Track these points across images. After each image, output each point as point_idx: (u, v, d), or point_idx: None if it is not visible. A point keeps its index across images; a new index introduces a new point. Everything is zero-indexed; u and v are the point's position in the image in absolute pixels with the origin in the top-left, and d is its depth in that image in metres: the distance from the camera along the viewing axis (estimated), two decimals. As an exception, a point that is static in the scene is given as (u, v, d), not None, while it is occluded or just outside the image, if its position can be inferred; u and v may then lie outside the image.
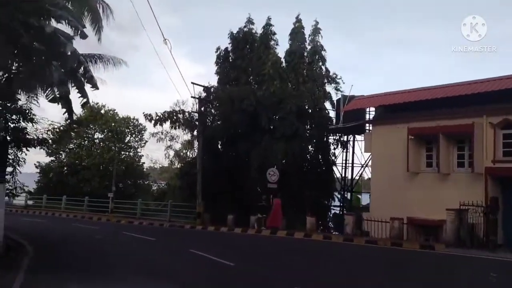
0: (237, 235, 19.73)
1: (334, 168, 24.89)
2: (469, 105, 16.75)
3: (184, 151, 38.73)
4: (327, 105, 24.98)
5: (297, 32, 24.48)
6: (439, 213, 16.60)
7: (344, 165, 24.98)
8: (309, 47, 24.65)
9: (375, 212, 18.81)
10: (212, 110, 26.41)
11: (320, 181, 22.91)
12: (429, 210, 17.17)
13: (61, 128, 14.82)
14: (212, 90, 25.44)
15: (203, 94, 25.04)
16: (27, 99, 13.32)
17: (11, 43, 10.10)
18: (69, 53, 11.77)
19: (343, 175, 25.26)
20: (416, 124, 18.12)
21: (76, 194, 32.06)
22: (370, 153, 21.66)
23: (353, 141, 24.68)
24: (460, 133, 17.25)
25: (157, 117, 24.62)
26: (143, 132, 40.29)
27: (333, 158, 24.74)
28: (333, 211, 26.14)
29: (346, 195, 25.86)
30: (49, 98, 11.48)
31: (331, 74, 24.77)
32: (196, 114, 24.44)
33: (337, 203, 26.42)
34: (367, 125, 22.50)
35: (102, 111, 38.74)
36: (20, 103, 13.48)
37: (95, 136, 38.94)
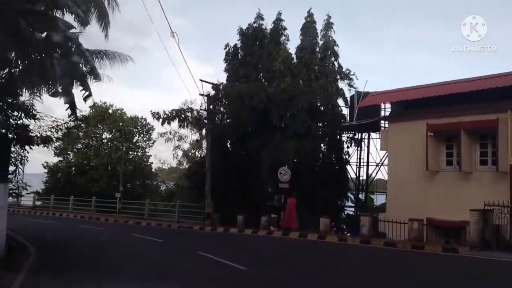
0: (248, 236, 19.02)
1: (348, 167, 24.05)
2: (492, 100, 15.85)
3: (192, 151, 38.26)
4: (340, 102, 24.23)
5: (308, 27, 23.72)
6: (461, 214, 15.75)
7: (358, 164, 24.13)
8: (321, 42, 23.88)
9: (391, 213, 18.01)
10: (221, 108, 25.77)
11: (333, 181, 22.10)
12: (450, 211, 16.35)
13: (65, 125, 14.19)
14: (221, 88, 24.80)
15: (212, 92, 24.45)
16: (30, 94, 12.76)
17: (8, 32, 9.54)
18: (73, 49, 11.27)
19: (357, 174, 24.40)
20: (436, 121, 17.27)
21: (84, 195, 31.72)
22: (386, 151, 20.83)
23: (368, 139, 23.80)
24: (483, 129, 16.37)
25: (165, 116, 24.05)
26: (151, 132, 39.99)
27: (347, 156, 23.94)
28: (345, 212, 25.38)
29: (359, 195, 25.00)
30: (51, 92, 10.90)
31: (344, 70, 23.99)
32: (205, 112, 23.80)
33: (349, 203, 25.64)
34: (382, 122, 21.68)
35: (110, 111, 38.47)
36: (22, 99, 12.95)
37: (103, 136, 38.64)
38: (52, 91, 10.69)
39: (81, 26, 14.23)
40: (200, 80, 22.86)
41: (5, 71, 11.68)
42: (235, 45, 25.95)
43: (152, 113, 23.92)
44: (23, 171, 14.84)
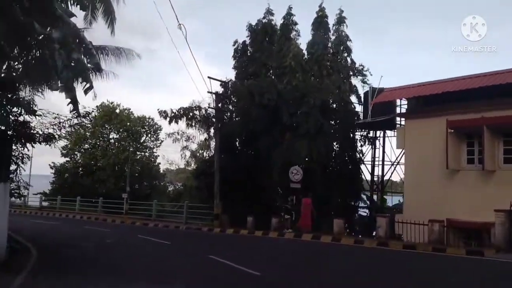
0: (258, 238, 18.30)
1: (362, 166, 23.19)
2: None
3: (200, 151, 37.72)
4: (353, 99, 23.39)
5: (320, 22, 22.94)
6: (484, 215, 14.96)
7: (372, 163, 23.24)
8: (333, 37, 23.08)
9: (408, 214, 17.17)
10: (230, 106, 25.09)
11: (346, 181, 21.27)
12: (471, 211, 15.52)
13: (68, 122, 13.56)
14: (229, 85, 24.13)
15: (220, 91, 23.78)
16: (30, 89, 12.16)
17: (7, 23, 8.95)
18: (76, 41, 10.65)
19: (371, 173, 23.49)
20: (456, 117, 16.39)
21: (91, 195, 31.33)
22: (402, 150, 19.99)
23: (384, 137, 22.92)
24: (507, 125, 15.46)
25: (172, 114, 23.41)
26: (158, 131, 39.55)
27: (361, 155, 23.09)
28: (358, 213, 24.52)
29: (373, 196, 24.12)
30: (52, 87, 10.30)
31: (357, 66, 23.14)
32: (213, 111, 23.14)
33: (361, 204, 24.78)
34: (397, 119, 20.85)
35: (117, 111, 38.11)
36: (22, 95, 12.35)
37: (110, 136, 38.26)
38: (53, 84, 10.08)
39: (87, 23, 13.79)
40: (208, 77, 22.21)
41: (4, 65, 11.13)
42: (244, 41, 25.26)
43: (159, 112, 23.32)
44: (24, 170, 14.01)
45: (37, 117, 12.20)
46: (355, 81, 23.40)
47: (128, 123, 37.59)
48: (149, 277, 9.53)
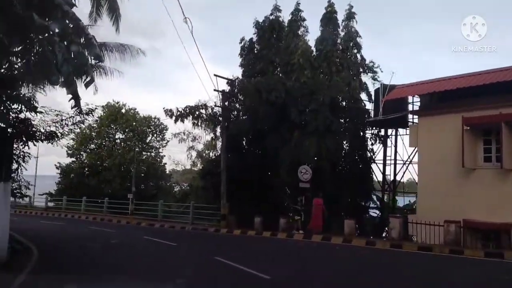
0: (267, 239, 17.78)
1: (373, 166, 22.53)
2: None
3: (206, 151, 37.32)
4: (363, 96, 22.76)
5: (329, 18, 22.37)
6: (502, 215, 14.43)
7: (384, 162, 22.57)
8: (342, 34, 22.48)
9: (422, 214, 16.58)
10: (237, 105, 24.59)
11: (357, 180, 20.65)
12: (489, 212, 14.94)
13: (71, 119, 13.13)
14: (236, 83, 23.63)
15: (227, 89, 23.33)
16: (31, 86, 11.76)
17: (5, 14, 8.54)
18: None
19: (383, 173, 22.84)
20: (472, 113, 15.75)
21: (97, 195, 31.01)
22: (415, 148, 19.37)
23: (396, 135, 22.25)
24: (527, 122, 14.82)
25: (178, 113, 22.94)
26: (164, 131, 39.20)
27: (371, 154, 22.45)
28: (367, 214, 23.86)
29: (384, 196, 23.48)
30: (51, 81, 9.84)
31: (367, 62, 22.50)
32: (220, 109, 22.67)
33: (371, 204, 24.13)
34: (409, 116, 20.23)
35: (123, 110, 37.83)
36: (23, 92, 11.95)
37: (116, 136, 37.97)
38: (53, 79, 9.62)
39: (92, 20, 13.39)
40: (215, 75, 21.75)
41: (5, 61, 10.73)
42: (251, 39, 24.77)
43: (165, 110, 22.85)
44: (26, 169, 13.60)
45: (37, 114, 11.75)
46: (365, 78, 22.82)
47: (134, 123, 37.30)
48: (153, 279, 9.07)
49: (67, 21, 8.50)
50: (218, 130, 24.92)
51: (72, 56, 9.26)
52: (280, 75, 22.86)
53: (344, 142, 21.94)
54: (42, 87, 11.54)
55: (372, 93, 22.39)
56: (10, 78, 11.07)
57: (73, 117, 13.10)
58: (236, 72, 24.26)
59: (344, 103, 21.82)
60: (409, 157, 21.63)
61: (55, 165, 36.35)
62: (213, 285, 8.74)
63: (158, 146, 39.27)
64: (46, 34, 9.37)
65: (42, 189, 36.97)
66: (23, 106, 11.34)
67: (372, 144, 22.60)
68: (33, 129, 12.37)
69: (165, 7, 19.79)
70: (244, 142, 24.32)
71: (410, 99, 20.38)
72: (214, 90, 21.77)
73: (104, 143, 37.15)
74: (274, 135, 21.02)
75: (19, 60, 10.28)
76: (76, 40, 8.84)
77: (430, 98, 17.74)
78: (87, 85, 9.31)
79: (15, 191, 14.07)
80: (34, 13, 8.59)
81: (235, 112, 24.49)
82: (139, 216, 25.89)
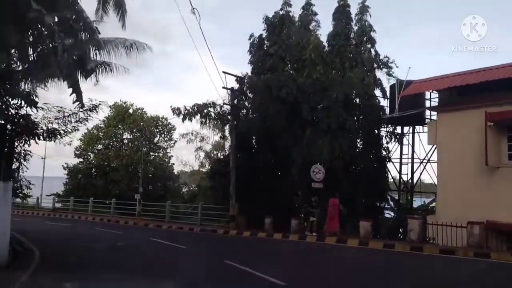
0: (278, 241, 17.08)
1: (388, 165, 21.63)
2: None
3: (214, 152, 36.76)
4: (377, 92, 21.82)
5: (342, 12, 21.53)
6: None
7: (400, 161, 21.67)
8: (355, 28, 21.64)
9: (442, 215, 15.74)
10: (246, 103, 23.89)
11: (371, 180, 19.78)
12: (514, 213, 13.98)
13: (74, 115, 12.55)
14: (245, 80, 22.93)
15: (236, 86, 22.65)
16: (31, 80, 11.18)
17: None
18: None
19: (399, 172, 21.92)
20: (496, 108, 14.84)
21: (104, 196, 30.61)
22: (433, 146, 18.49)
23: (413, 132, 21.32)
24: (555, 117, 13.92)
25: (186, 111, 22.26)
26: (172, 131, 38.74)
27: (386, 153, 21.58)
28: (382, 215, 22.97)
29: (401, 196, 22.57)
30: (51, 73, 9.28)
31: (381, 57, 21.62)
32: (228, 107, 22.00)
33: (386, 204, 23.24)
34: (427, 113, 19.36)
35: (130, 110, 37.45)
36: (22, 87, 11.39)
37: (124, 136, 37.58)
38: (53, 71, 9.05)
39: (99, 17, 12.87)
40: (224, 72, 21.14)
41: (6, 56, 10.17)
42: (260, 35, 24.00)
43: (172, 109, 22.16)
44: (27, 169, 13.06)
45: (38, 110, 11.18)
46: (380, 74, 21.90)
47: (142, 123, 36.87)
48: (159, 285, 8.43)
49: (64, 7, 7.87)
50: (227, 129, 24.27)
51: (71, 43, 8.65)
52: (291, 71, 22.09)
53: (358, 140, 21.10)
54: (42, 81, 10.94)
55: (387, 89, 21.51)
56: (9, 72, 10.53)
57: (76, 113, 12.50)
58: (245, 70, 23.52)
59: (357, 100, 20.97)
60: (426, 155, 20.72)
61: (62, 165, 36.22)
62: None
63: (166, 147, 38.90)
64: (43, 21, 8.79)
65: (51, 190, 36.74)
66: (22, 101, 10.76)
67: (387, 143, 21.72)
68: (34, 125, 11.79)
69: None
70: (253, 141, 23.60)
71: (427, 95, 19.54)
72: (223, 87, 21.18)
73: (111, 144, 36.84)
74: (285, 133, 20.28)
75: (15, 50, 9.68)
76: (76, 26, 8.21)
77: (449, 93, 16.85)
78: (87, 75, 8.71)
79: (17, 191, 13.55)
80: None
81: (244, 110, 23.78)
82: (147, 217, 25.35)
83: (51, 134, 12.51)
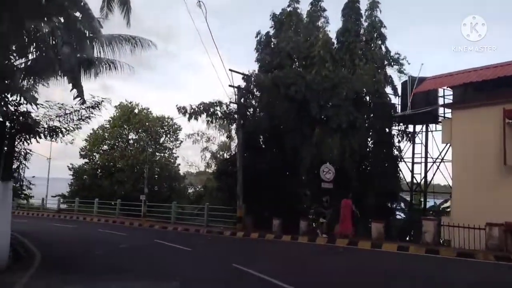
0: (287, 244, 16.52)
1: (399, 164, 21.00)
2: None
3: (221, 152, 36.27)
4: (388, 90, 21.23)
5: (351, 7, 20.98)
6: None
7: (412, 160, 21.04)
8: (365, 24, 21.06)
9: (457, 216, 15.12)
10: (253, 101, 23.37)
11: (383, 180, 19.19)
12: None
13: (76, 113, 12.11)
14: (252, 79, 22.41)
15: (242, 85, 22.15)
16: (30, 77, 10.76)
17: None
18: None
19: (411, 172, 21.29)
20: (514, 105, 14.26)
21: (110, 197, 30.25)
22: (447, 144, 17.88)
23: (426, 131, 20.68)
24: None
25: (192, 110, 21.80)
26: (178, 131, 38.32)
27: (398, 152, 20.95)
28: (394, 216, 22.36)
29: (413, 197, 21.95)
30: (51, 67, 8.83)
31: (392, 54, 21.02)
32: (235, 106, 21.50)
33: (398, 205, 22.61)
34: (440, 111, 18.74)
35: (136, 111, 37.11)
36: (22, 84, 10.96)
37: (129, 137, 37.24)
38: (53, 66, 8.61)
39: (103, 15, 12.48)
40: (230, 70, 20.67)
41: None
42: (267, 32, 23.53)
43: (178, 108, 21.71)
44: (28, 168, 12.66)
45: (38, 106, 10.74)
46: (391, 71, 21.30)
47: (147, 123, 36.51)
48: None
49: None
50: (233, 128, 23.79)
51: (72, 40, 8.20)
52: (299, 69, 21.55)
53: (369, 139, 20.50)
54: (42, 76, 10.51)
55: (399, 87, 20.92)
56: (7, 67, 10.10)
57: (78, 111, 12.06)
58: (251, 69, 23.00)
59: (368, 98, 20.39)
60: (440, 154, 20.07)
61: (68, 166, 35.92)
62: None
63: (171, 147, 38.50)
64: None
65: (56, 191, 36.52)
66: (22, 98, 10.33)
67: (399, 142, 21.11)
68: (35, 123, 11.36)
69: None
70: (261, 140, 23.09)
71: (440, 92, 18.93)
72: (230, 85, 20.68)
73: (116, 144, 36.52)
74: (293, 132, 19.76)
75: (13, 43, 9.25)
76: (72, 12, 7.75)
77: (464, 90, 16.24)
78: (88, 67, 8.25)
79: (18, 192, 13.17)
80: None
81: (251, 109, 23.26)
82: (152, 219, 24.92)
83: (52, 132, 12.06)
